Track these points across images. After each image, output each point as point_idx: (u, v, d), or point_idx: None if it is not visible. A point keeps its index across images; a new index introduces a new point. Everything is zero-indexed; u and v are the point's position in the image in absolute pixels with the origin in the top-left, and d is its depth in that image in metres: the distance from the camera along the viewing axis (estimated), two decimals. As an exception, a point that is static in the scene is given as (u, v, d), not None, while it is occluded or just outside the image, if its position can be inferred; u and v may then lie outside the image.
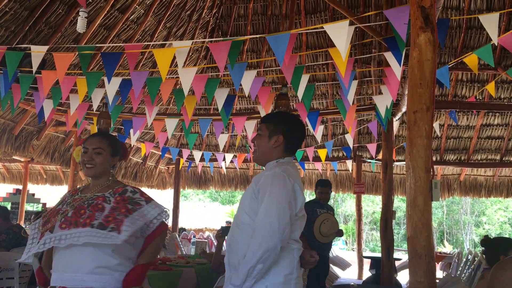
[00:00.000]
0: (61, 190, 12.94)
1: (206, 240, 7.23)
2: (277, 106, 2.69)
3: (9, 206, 14.40)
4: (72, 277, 2.11)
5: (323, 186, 5.51)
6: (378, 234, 8.32)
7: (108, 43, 7.28)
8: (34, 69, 4.25)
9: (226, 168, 11.05)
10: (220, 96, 5.01)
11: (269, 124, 2.27)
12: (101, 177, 2.37)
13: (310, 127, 5.98)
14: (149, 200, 2.31)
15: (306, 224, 2.24)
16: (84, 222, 2.13)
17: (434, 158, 9.88)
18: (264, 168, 2.27)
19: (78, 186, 2.38)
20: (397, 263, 7.05)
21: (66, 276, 2.12)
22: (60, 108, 6.68)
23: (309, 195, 29.80)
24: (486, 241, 3.44)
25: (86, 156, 2.35)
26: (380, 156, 7.78)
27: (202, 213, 22.72)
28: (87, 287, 2.08)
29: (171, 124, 6.45)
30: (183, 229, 12.23)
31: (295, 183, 2.07)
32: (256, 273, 1.91)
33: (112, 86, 4.66)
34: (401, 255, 13.10)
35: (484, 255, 3.45)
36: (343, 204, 30.21)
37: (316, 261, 2.18)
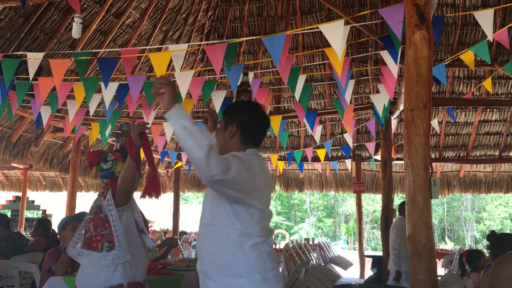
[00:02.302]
0: (61, 197, 12.92)
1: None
2: (238, 96, 2.54)
3: (9, 214, 14.37)
4: None
5: None
6: (379, 233, 8.31)
7: (104, 48, 7.27)
8: (31, 76, 4.25)
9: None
10: (217, 99, 5.01)
11: (226, 115, 2.10)
12: None
13: (308, 127, 5.99)
14: None
15: None
16: None
17: (433, 156, 9.88)
18: None
19: None
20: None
21: None
22: (57, 114, 6.67)
23: (309, 195, 29.84)
24: (492, 236, 3.43)
25: None
26: (379, 155, 7.78)
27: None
28: None
29: (169, 128, 6.44)
30: (184, 233, 12.21)
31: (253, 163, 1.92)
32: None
33: (109, 91, 4.65)
34: (403, 253, 13.06)
35: (489, 250, 3.44)
36: (344, 203, 30.20)
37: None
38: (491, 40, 4.00)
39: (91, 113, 5.27)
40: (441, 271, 9.29)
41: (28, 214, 16.57)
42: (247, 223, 1.88)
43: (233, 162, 1.78)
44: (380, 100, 5.37)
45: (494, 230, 3.64)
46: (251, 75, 4.58)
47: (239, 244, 1.86)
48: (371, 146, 8.64)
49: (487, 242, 3.51)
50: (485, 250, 4.64)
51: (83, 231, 2.59)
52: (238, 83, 2.86)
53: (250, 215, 1.88)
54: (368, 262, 9.10)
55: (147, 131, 2.66)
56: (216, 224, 1.93)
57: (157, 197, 2.63)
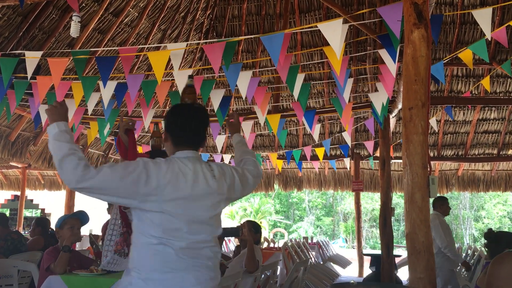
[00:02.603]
0: (59, 195, 12.90)
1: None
2: (182, 99, 2.49)
3: (7, 213, 14.36)
4: None
5: None
6: (378, 231, 8.34)
7: (103, 47, 7.26)
8: (29, 75, 4.24)
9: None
10: (216, 97, 5.00)
11: None
12: None
13: (307, 126, 5.99)
14: None
15: None
16: None
17: (431, 154, 9.90)
18: None
19: None
20: (397, 260, 7.05)
21: None
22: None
23: (308, 194, 29.87)
24: (490, 234, 3.43)
25: None
26: (377, 154, 7.78)
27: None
28: None
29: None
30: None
31: (149, 165, 1.88)
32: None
33: (108, 90, 4.65)
34: (401, 252, 13.11)
35: (486, 248, 3.44)
36: (342, 202, 30.23)
37: None
38: (490, 39, 4.00)
39: (90, 112, 5.26)
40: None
41: (27, 213, 16.55)
42: (146, 223, 1.89)
43: (103, 171, 1.80)
44: (379, 99, 5.37)
45: (491, 228, 3.65)
46: (249, 73, 4.58)
47: (136, 242, 1.93)
48: (369, 144, 8.65)
49: (485, 241, 3.52)
50: (483, 249, 4.66)
51: None
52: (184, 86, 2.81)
53: (149, 218, 1.89)
54: (367, 261, 9.10)
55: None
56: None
57: None
